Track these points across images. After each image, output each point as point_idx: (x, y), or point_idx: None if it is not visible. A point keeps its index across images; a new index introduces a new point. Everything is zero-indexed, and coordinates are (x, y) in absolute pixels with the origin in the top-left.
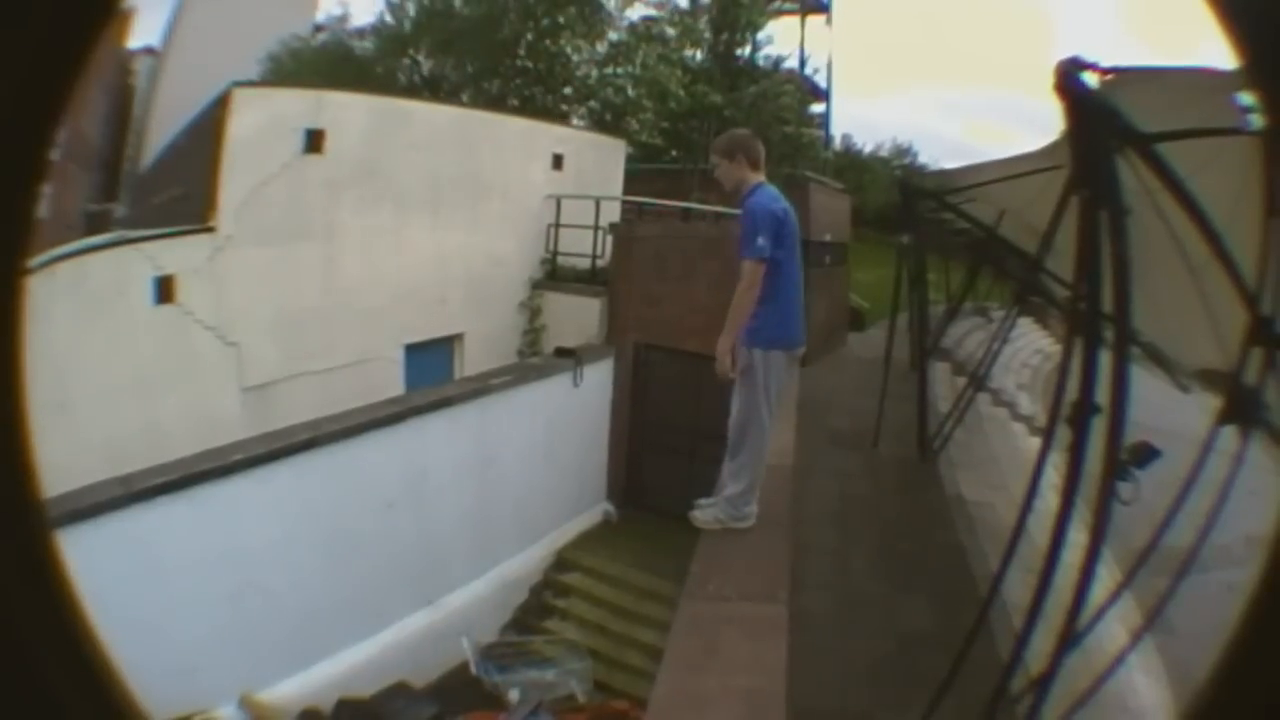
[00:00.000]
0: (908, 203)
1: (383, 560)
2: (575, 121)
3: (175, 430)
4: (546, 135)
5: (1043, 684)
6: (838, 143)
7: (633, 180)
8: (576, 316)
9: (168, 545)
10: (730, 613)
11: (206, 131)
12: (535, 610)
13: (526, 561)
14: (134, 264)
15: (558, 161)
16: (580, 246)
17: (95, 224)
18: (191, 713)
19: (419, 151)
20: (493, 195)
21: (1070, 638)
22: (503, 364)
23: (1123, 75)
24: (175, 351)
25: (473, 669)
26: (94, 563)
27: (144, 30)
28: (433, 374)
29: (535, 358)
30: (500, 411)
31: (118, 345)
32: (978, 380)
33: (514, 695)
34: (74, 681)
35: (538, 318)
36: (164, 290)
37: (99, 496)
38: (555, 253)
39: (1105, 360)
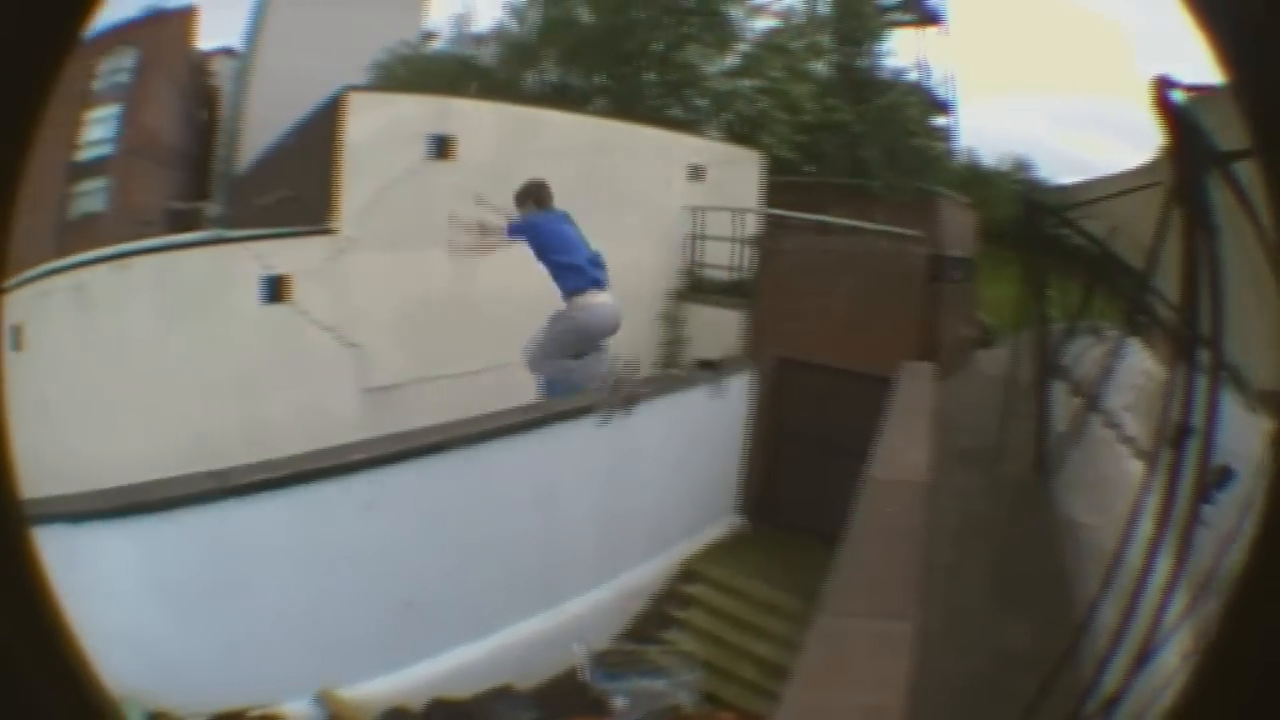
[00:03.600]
0: (1031, 219)
1: (502, 564)
2: (711, 133)
3: (282, 429)
4: (682, 146)
5: (1110, 706)
6: (963, 156)
7: (766, 193)
8: (715, 328)
9: (263, 541)
10: (861, 629)
11: (317, 135)
12: (654, 620)
13: (651, 571)
14: (238, 262)
15: (695, 172)
16: (719, 258)
17: (181, 221)
18: (245, 707)
19: (553, 160)
20: (630, 205)
21: (1140, 660)
22: (643, 375)
23: (1208, 92)
24: (286, 351)
25: (583, 675)
26: (171, 554)
27: (215, 31)
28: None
29: (675, 369)
30: (638, 421)
31: (215, 342)
32: (1091, 400)
33: (620, 703)
34: (47, 677)
35: (678, 329)
36: (276, 290)
37: (185, 489)
38: (695, 264)
39: (1197, 383)
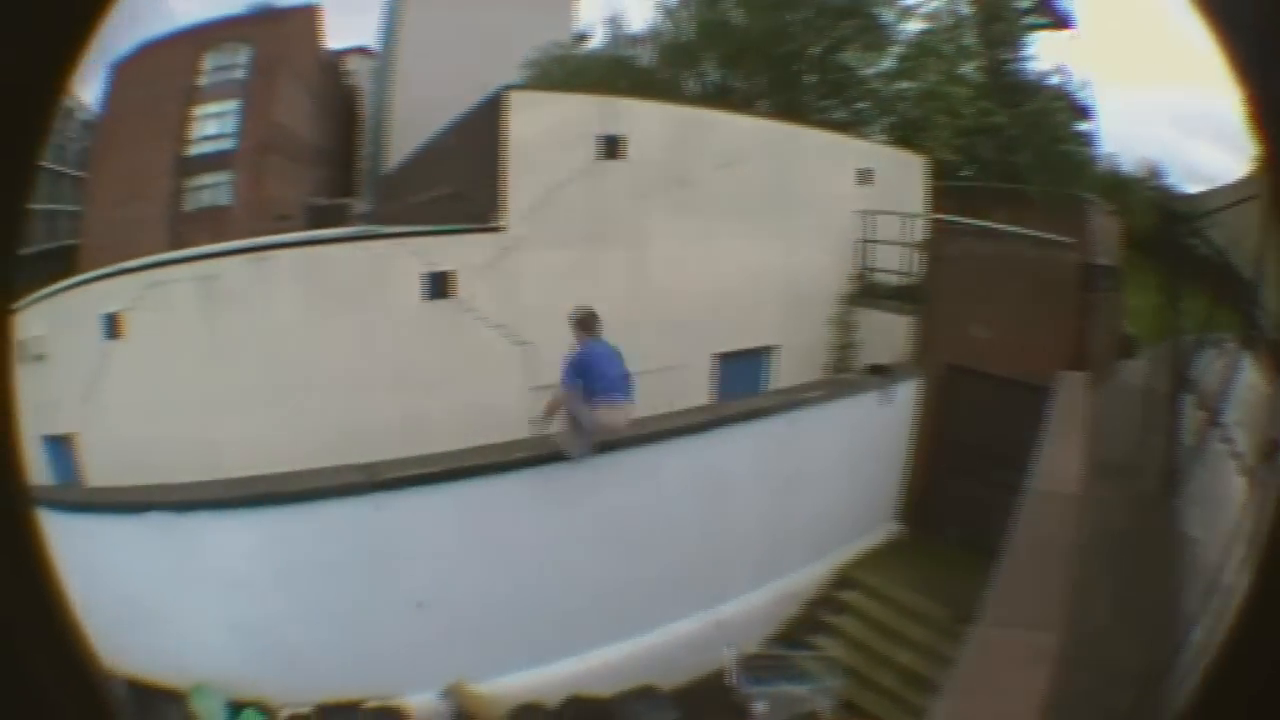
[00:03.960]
0: (1168, 227)
1: (660, 565)
2: (874, 136)
3: (443, 424)
4: (849, 149)
5: None
6: (1103, 162)
7: (929, 197)
8: (884, 333)
9: (410, 535)
10: (1011, 639)
11: (477, 133)
12: (806, 624)
13: (808, 576)
14: (393, 258)
15: (863, 176)
16: (889, 263)
17: (325, 217)
18: (361, 698)
19: (725, 161)
20: (801, 207)
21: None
22: (811, 378)
23: None
24: (449, 347)
25: (730, 679)
26: (311, 542)
27: (345, 31)
28: (744, 384)
29: (846, 373)
30: (808, 426)
31: (370, 336)
32: (1212, 414)
33: (759, 708)
34: (50, 661)
35: (849, 333)
36: (439, 286)
37: (332, 481)
38: (866, 269)
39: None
